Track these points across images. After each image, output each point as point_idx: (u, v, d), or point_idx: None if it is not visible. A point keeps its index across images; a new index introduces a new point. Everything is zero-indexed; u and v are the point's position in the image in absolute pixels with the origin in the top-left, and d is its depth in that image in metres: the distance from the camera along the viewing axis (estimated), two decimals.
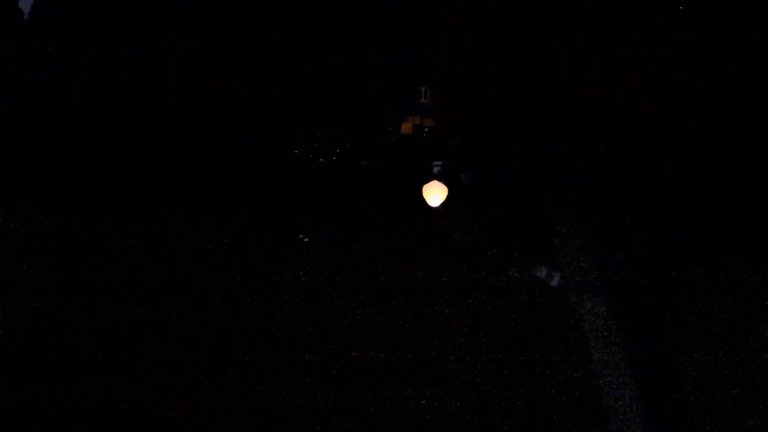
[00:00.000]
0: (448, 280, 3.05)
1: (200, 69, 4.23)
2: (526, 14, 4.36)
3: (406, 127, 3.59)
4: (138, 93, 4.13)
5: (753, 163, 3.51)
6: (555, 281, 3.05)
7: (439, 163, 3.40)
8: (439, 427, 2.66)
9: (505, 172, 3.49)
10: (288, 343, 2.89)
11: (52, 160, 3.71)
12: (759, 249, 3.13)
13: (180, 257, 3.19)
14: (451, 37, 4.28)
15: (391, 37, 4.13)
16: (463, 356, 2.83)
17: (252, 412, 2.71)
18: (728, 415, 2.63)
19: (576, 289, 2.98)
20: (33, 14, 4.67)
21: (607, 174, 3.50)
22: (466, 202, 3.25)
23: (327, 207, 3.38)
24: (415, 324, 2.92)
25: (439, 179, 3.35)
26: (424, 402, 2.71)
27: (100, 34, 4.54)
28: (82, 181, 3.56)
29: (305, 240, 3.17)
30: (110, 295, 3.07)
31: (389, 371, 2.80)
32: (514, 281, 3.05)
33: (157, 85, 4.17)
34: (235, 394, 2.74)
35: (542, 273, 3.06)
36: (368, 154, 3.46)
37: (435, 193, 3.45)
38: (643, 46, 4.14)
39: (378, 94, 3.71)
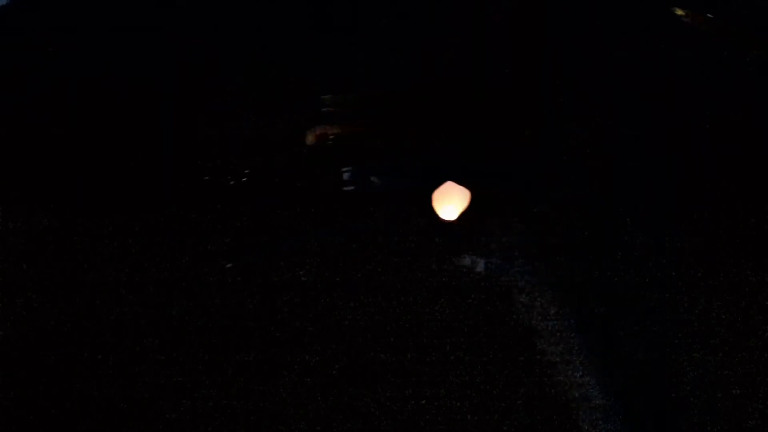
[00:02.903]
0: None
1: (199, 69, 4.22)
2: (526, 14, 4.36)
3: (311, 138, 3.59)
4: (138, 93, 4.14)
5: (753, 163, 3.52)
6: (480, 267, 3.07)
7: (348, 168, 3.40)
8: (439, 427, 2.66)
9: (504, 171, 3.50)
10: (288, 343, 2.89)
11: (52, 160, 3.72)
12: (759, 249, 3.13)
13: (180, 257, 3.20)
14: (450, 36, 4.29)
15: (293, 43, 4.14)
16: (463, 356, 2.83)
17: (252, 412, 2.71)
18: (728, 415, 2.64)
19: (516, 283, 2.97)
20: (33, 14, 4.67)
21: (607, 174, 3.50)
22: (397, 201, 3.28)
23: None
24: (415, 324, 2.92)
25: (350, 184, 3.33)
26: (424, 402, 2.72)
27: (100, 34, 4.54)
28: (82, 181, 3.57)
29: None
30: (110, 295, 3.07)
31: (389, 371, 2.80)
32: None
33: (157, 85, 4.17)
34: (235, 394, 2.75)
35: (466, 261, 3.08)
36: (279, 170, 3.46)
37: (448, 203, 3.41)
38: (643, 46, 4.14)
39: (276, 108, 3.72)
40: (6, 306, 3.06)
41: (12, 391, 2.79)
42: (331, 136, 3.54)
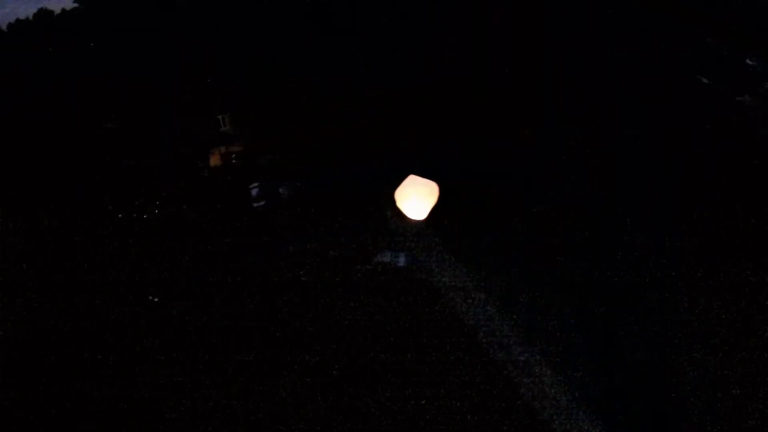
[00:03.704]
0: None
1: (199, 69, 4.23)
2: (526, 14, 4.37)
3: (214, 160, 3.60)
4: (138, 93, 4.13)
5: (753, 163, 3.52)
6: (402, 261, 3.08)
7: (255, 184, 3.41)
8: (439, 427, 2.66)
9: (504, 171, 3.50)
10: (288, 343, 2.89)
11: (52, 160, 3.72)
12: (759, 249, 3.13)
13: (180, 257, 3.19)
14: (450, 36, 4.29)
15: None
16: (463, 356, 2.83)
17: (252, 412, 2.71)
18: (728, 415, 2.64)
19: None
20: (33, 14, 4.67)
21: (607, 174, 3.50)
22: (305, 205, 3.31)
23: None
24: (415, 324, 2.92)
25: (259, 200, 3.33)
26: (424, 402, 2.72)
27: (100, 34, 4.54)
28: (82, 181, 3.57)
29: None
30: (110, 295, 3.07)
31: (389, 371, 2.80)
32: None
33: (157, 85, 4.17)
34: (235, 394, 2.75)
35: (386, 257, 3.09)
36: (188, 197, 3.46)
37: (415, 200, 3.37)
38: (643, 46, 4.14)
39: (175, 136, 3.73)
40: (6, 306, 3.06)
41: (12, 391, 2.79)
42: (233, 155, 3.56)
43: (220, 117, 3.76)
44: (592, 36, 4.21)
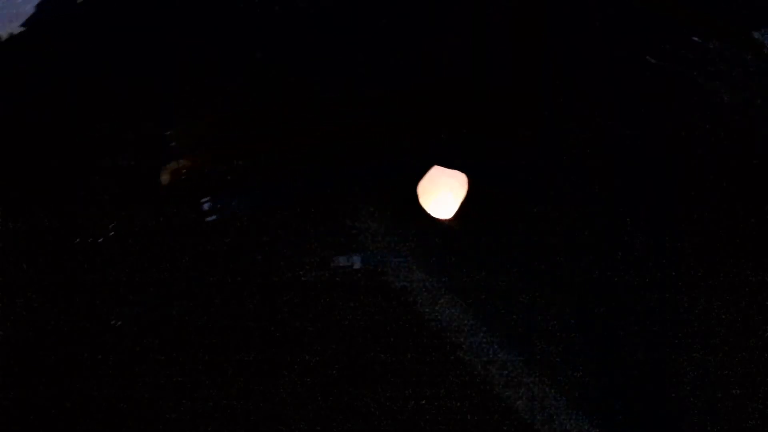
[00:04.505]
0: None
1: (199, 69, 4.22)
2: (526, 14, 4.37)
3: (165, 178, 3.55)
4: (138, 93, 4.13)
5: (753, 163, 3.52)
6: (357, 263, 3.07)
7: (206, 198, 3.37)
8: (439, 427, 2.66)
9: (504, 171, 3.50)
10: (288, 343, 2.89)
11: (52, 160, 3.72)
12: (759, 249, 3.13)
13: (180, 257, 3.19)
14: (450, 36, 4.29)
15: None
16: (463, 356, 2.83)
17: (252, 412, 2.71)
18: (728, 415, 2.64)
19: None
20: (33, 14, 4.67)
21: (607, 174, 3.50)
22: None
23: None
24: (415, 324, 2.92)
25: (211, 214, 3.29)
26: (424, 402, 2.72)
27: (100, 34, 4.54)
28: (82, 181, 3.57)
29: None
30: (110, 295, 3.07)
31: (389, 371, 2.80)
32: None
33: (157, 85, 4.16)
34: (235, 394, 2.75)
35: (342, 261, 3.08)
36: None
37: (441, 196, 3.38)
38: (643, 46, 4.14)
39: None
40: (6, 306, 3.06)
41: (12, 391, 2.79)
42: (184, 170, 3.52)
43: (167, 133, 3.68)
44: (592, 36, 4.21)
